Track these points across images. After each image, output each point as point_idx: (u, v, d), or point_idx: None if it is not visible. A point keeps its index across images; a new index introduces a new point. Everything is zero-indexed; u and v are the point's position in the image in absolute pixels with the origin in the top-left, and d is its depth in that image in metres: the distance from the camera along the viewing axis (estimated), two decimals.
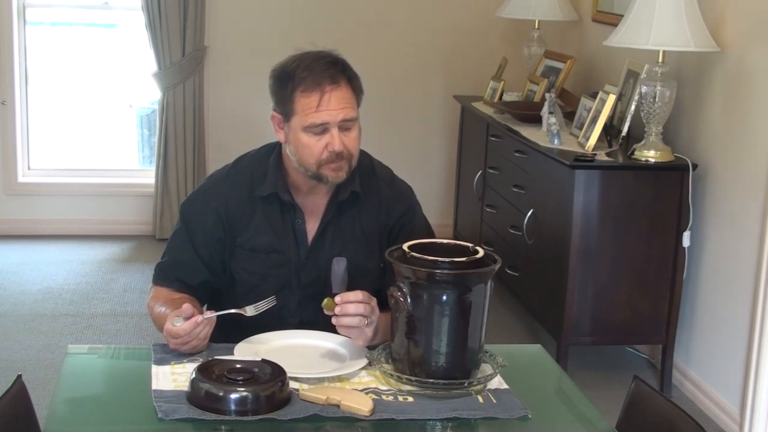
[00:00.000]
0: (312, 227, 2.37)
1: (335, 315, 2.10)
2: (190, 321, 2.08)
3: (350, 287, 2.33)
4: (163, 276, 2.41)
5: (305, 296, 2.36)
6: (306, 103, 2.23)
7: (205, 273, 2.38)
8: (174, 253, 2.41)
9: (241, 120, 5.76)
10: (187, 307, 2.10)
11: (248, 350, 2.10)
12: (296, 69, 2.25)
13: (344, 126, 2.25)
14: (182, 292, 2.36)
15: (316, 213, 2.37)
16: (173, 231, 2.45)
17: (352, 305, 2.09)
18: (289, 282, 2.37)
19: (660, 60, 3.81)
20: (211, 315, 2.12)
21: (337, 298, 2.09)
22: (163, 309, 2.30)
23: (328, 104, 2.22)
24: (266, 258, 2.36)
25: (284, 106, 2.27)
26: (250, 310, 2.19)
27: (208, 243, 2.36)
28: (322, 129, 2.24)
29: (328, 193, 2.36)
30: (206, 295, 2.43)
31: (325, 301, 2.10)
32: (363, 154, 2.43)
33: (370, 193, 2.39)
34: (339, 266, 2.24)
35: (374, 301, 2.14)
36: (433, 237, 2.37)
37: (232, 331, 2.26)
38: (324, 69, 2.23)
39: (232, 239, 2.36)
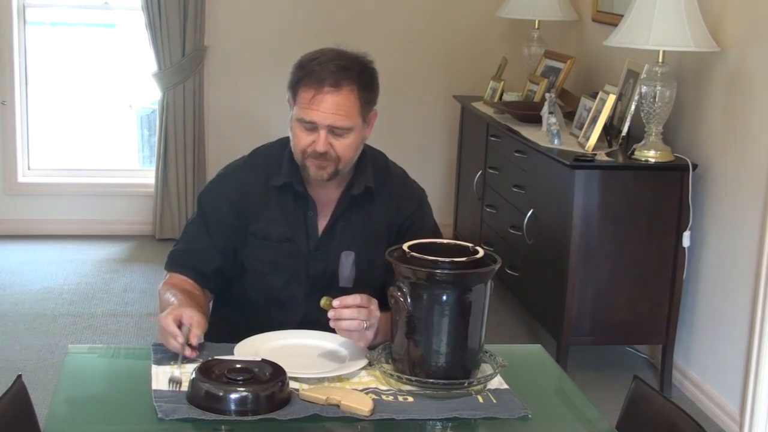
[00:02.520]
0: (323, 220, 2.39)
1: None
2: (177, 345, 2.07)
3: (357, 282, 2.34)
4: (176, 263, 2.41)
5: (312, 289, 2.36)
6: (303, 97, 2.25)
7: (218, 260, 2.38)
8: (189, 240, 2.42)
9: (241, 120, 5.76)
10: (185, 316, 2.10)
11: (248, 350, 2.10)
12: (311, 61, 2.27)
13: (335, 132, 2.25)
14: (195, 280, 2.37)
15: (328, 206, 2.39)
16: (189, 220, 2.48)
17: (347, 311, 2.07)
18: (297, 273, 2.37)
19: (660, 60, 3.81)
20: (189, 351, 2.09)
21: (335, 302, 2.08)
22: (169, 295, 2.30)
23: (320, 105, 2.23)
24: (278, 246, 2.36)
25: (292, 92, 2.30)
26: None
27: (222, 230, 2.38)
28: (312, 126, 2.25)
29: (340, 187, 2.37)
30: (218, 284, 2.42)
31: (323, 300, 2.09)
32: (378, 154, 2.45)
33: (382, 190, 2.41)
34: (347, 260, 2.24)
35: (374, 303, 2.13)
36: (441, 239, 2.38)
37: (232, 331, 2.27)
38: (333, 70, 2.24)
39: (245, 227, 2.37)
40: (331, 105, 2.23)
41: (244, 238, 2.38)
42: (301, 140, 2.27)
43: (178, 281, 2.37)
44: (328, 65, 2.24)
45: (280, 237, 2.37)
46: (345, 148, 2.27)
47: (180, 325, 2.08)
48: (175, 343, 2.06)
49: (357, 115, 2.27)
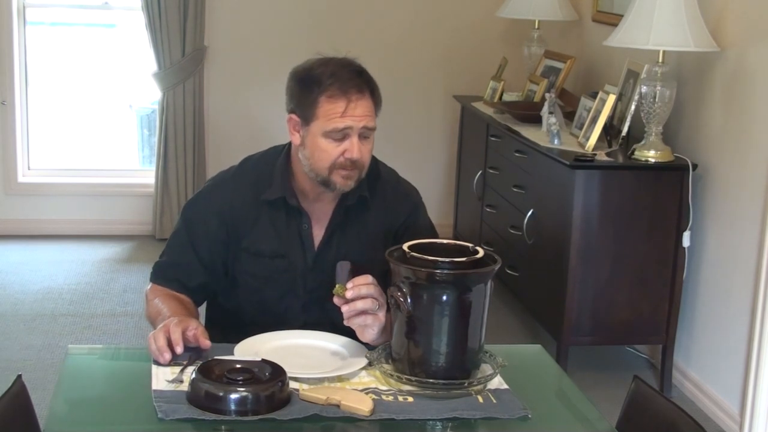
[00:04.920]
0: (318, 232, 2.37)
1: (346, 301, 2.08)
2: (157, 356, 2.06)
3: None
4: (161, 275, 2.40)
5: (310, 300, 2.36)
6: (330, 109, 2.22)
7: (203, 275, 2.37)
8: (173, 253, 2.40)
9: (241, 120, 5.77)
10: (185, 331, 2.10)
11: (248, 350, 2.10)
12: (322, 75, 2.23)
13: (363, 135, 2.24)
14: (180, 293, 2.36)
15: (323, 218, 2.37)
16: (173, 231, 2.44)
17: (364, 287, 2.09)
18: (294, 286, 2.36)
19: (660, 60, 3.81)
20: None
21: (349, 284, 2.08)
22: (158, 302, 2.31)
23: (354, 111, 2.22)
24: (270, 262, 2.35)
25: (306, 109, 2.25)
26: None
27: (209, 245, 2.35)
28: (343, 135, 2.23)
29: (334, 200, 2.36)
30: (203, 297, 2.43)
31: (337, 287, 2.09)
32: None
33: (375, 197, 2.39)
34: (343, 270, 2.23)
35: (380, 288, 2.14)
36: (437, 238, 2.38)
37: (232, 331, 2.27)
38: (350, 78, 2.23)
39: (237, 242, 2.35)
40: (362, 109, 2.23)
41: (235, 253, 2.35)
42: (331, 153, 2.23)
43: (163, 290, 2.37)
44: (344, 73, 2.23)
45: (273, 252, 2.34)
46: (368, 152, 2.28)
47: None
48: (158, 354, 2.05)
49: (375, 116, 2.28)
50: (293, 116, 2.29)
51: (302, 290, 2.36)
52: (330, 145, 2.24)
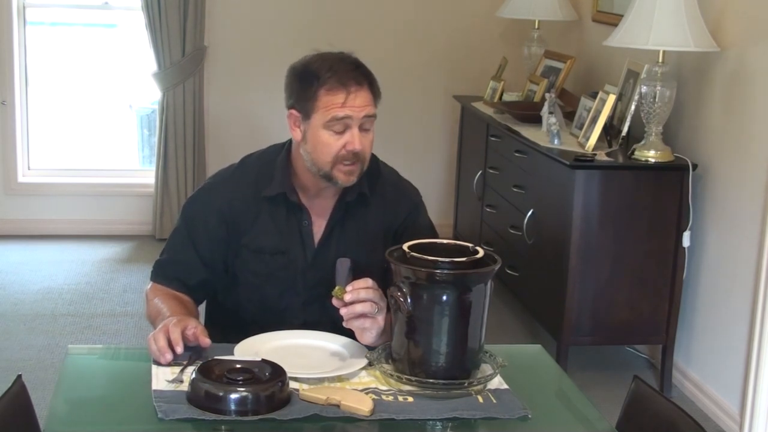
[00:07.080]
0: (318, 229, 2.37)
1: (345, 304, 2.08)
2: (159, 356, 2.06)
3: None
4: (162, 274, 2.40)
5: (310, 297, 2.36)
6: (330, 100, 2.22)
7: (204, 273, 2.37)
8: (173, 251, 2.40)
9: (241, 120, 5.77)
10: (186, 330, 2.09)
11: (248, 350, 2.10)
12: (321, 69, 2.25)
13: (364, 125, 2.25)
14: (180, 292, 2.36)
15: (323, 215, 2.37)
16: (173, 229, 2.44)
17: (363, 291, 2.09)
18: (294, 283, 2.36)
19: (660, 60, 3.81)
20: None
21: (348, 287, 2.08)
22: (158, 301, 2.31)
23: (354, 101, 2.22)
24: (271, 259, 2.35)
25: (305, 103, 2.26)
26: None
27: (209, 242, 2.36)
28: (344, 126, 2.23)
29: (335, 195, 2.36)
30: (204, 295, 2.43)
31: (336, 289, 2.09)
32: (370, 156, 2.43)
33: (376, 195, 2.39)
34: (343, 267, 2.24)
35: (380, 292, 2.14)
36: (437, 238, 2.37)
37: (232, 331, 2.27)
38: (349, 70, 2.24)
39: (237, 239, 2.35)
40: (362, 100, 2.24)
41: (235, 250, 2.36)
42: (332, 146, 2.24)
43: (164, 289, 2.37)
44: (342, 66, 2.24)
45: (274, 249, 2.35)
46: (369, 144, 2.28)
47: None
48: (159, 355, 2.05)
49: (375, 107, 2.28)
50: (293, 112, 2.30)
51: (302, 287, 2.36)
52: (331, 138, 2.24)
